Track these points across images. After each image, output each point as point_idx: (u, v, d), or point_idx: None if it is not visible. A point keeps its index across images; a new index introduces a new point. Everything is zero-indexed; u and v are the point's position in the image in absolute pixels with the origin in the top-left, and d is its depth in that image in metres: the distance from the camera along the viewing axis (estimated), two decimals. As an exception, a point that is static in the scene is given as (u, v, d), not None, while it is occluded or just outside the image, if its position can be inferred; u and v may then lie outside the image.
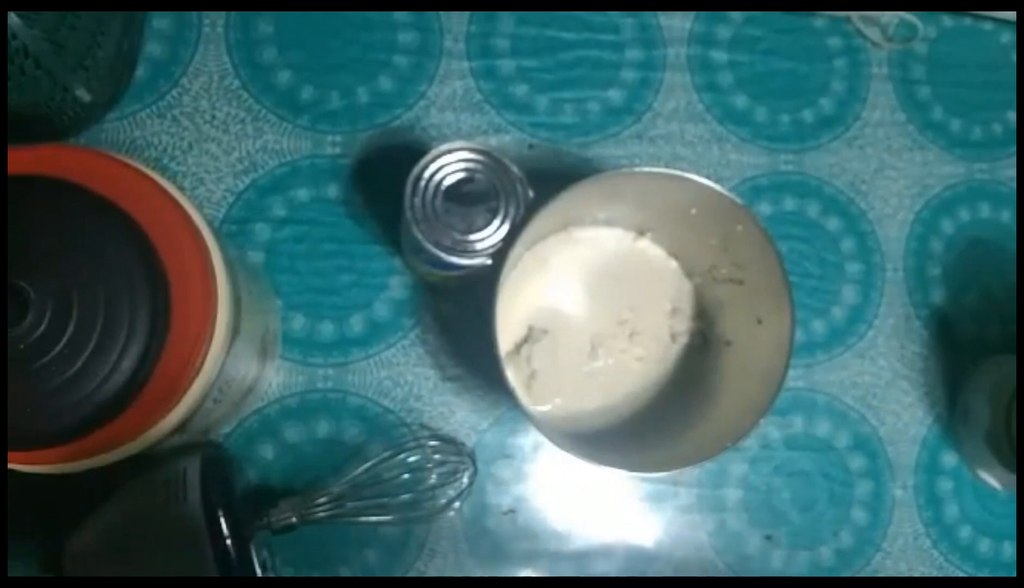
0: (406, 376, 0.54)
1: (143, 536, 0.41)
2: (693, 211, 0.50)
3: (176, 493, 0.40)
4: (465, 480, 0.52)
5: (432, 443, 0.52)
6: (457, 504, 0.52)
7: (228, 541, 0.40)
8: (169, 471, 0.41)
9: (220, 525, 0.40)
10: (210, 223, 0.38)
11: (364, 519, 0.49)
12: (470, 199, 0.47)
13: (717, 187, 0.48)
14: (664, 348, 0.56)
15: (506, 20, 0.58)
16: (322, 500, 0.47)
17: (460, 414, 0.54)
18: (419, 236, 0.46)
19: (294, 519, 0.46)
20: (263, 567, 0.42)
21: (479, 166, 0.47)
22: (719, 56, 0.61)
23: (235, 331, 0.38)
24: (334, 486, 0.48)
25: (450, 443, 0.53)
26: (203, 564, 0.39)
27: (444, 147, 0.47)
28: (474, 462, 0.52)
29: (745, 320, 0.52)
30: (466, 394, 0.54)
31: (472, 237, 0.46)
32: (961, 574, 0.60)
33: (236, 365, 0.40)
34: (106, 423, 0.33)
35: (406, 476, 0.50)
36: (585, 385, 0.54)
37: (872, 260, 0.62)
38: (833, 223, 0.61)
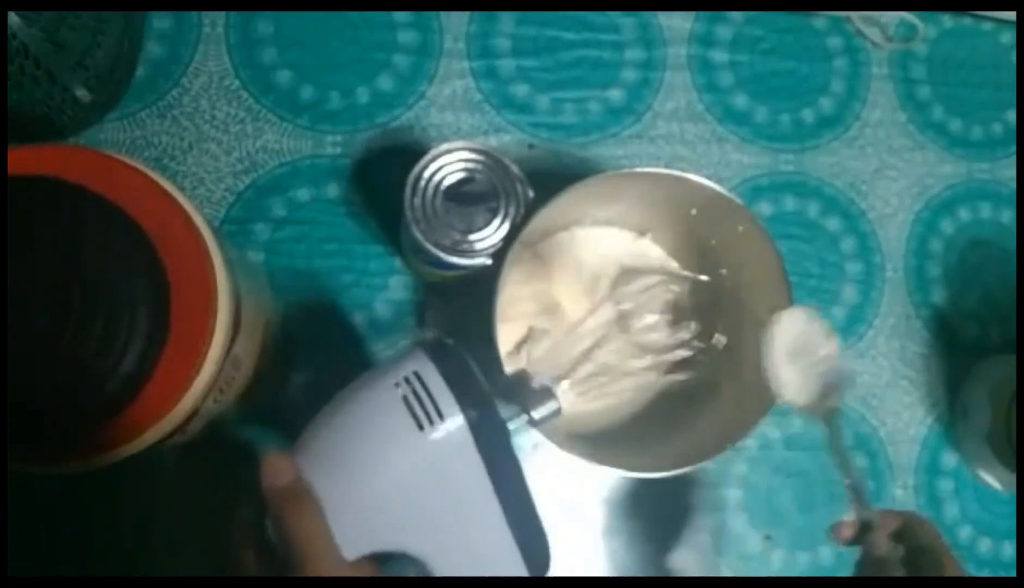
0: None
1: (391, 470, 0.33)
2: (693, 211, 0.50)
3: (425, 412, 0.32)
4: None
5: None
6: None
7: (508, 463, 0.33)
8: (399, 383, 0.33)
9: (491, 443, 0.33)
10: (210, 223, 0.38)
11: (631, 366, 0.42)
12: (470, 199, 0.47)
13: (717, 187, 0.48)
14: (664, 348, 0.56)
15: (506, 20, 0.58)
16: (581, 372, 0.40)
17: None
18: (419, 236, 0.46)
19: (558, 405, 0.37)
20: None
21: (479, 166, 0.47)
22: (719, 56, 0.61)
23: (235, 331, 0.38)
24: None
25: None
26: (483, 497, 0.33)
27: (444, 147, 0.47)
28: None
29: (745, 320, 0.52)
30: (466, 394, 0.54)
31: (472, 237, 0.46)
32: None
33: (236, 365, 0.40)
34: (106, 423, 0.33)
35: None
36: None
37: (872, 260, 0.62)
38: (833, 223, 0.61)
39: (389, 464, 0.32)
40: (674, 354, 0.56)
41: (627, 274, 0.56)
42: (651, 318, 0.56)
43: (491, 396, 0.34)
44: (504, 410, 0.36)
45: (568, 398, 0.54)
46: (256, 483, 0.32)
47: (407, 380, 0.33)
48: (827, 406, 0.44)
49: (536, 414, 0.37)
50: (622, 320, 0.55)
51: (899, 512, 0.43)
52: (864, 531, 0.41)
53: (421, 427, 0.32)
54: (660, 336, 0.56)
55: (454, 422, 0.32)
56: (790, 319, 0.44)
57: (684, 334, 0.56)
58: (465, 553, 0.34)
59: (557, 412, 0.37)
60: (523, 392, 0.37)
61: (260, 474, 0.32)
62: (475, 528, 0.33)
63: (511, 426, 0.36)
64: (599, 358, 0.54)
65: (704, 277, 0.55)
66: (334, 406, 0.34)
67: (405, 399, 0.32)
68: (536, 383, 0.38)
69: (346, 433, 0.33)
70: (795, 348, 0.44)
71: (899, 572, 0.40)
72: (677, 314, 0.56)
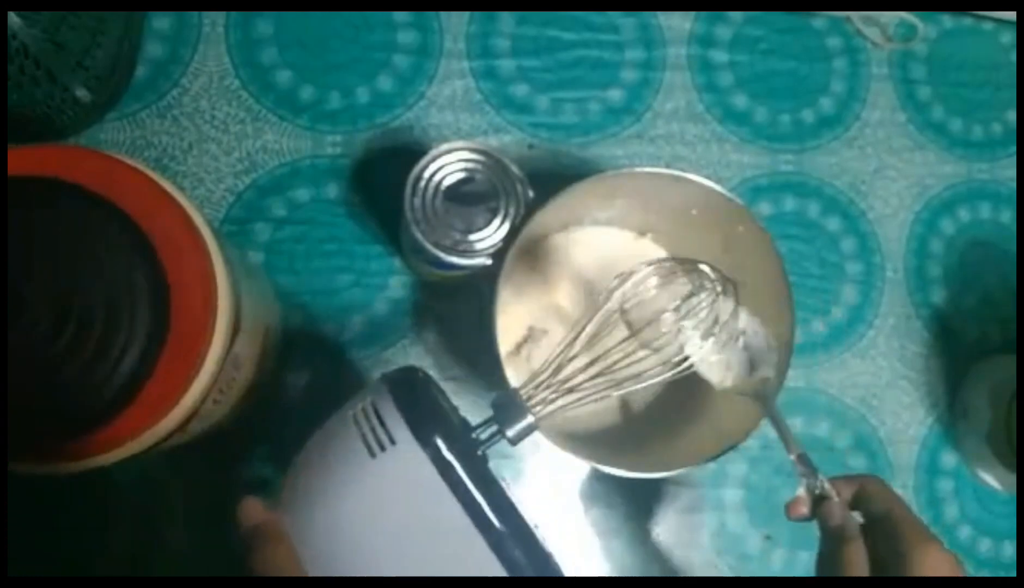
0: (406, 376, 0.54)
1: (355, 503, 0.33)
2: (693, 211, 0.50)
3: (376, 438, 0.32)
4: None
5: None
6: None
7: (468, 481, 0.31)
8: (355, 413, 0.33)
9: (452, 466, 0.31)
10: (210, 223, 0.38)
11: (605, 392, 0.39)
12: (470, 199, 0.47)
13: (717, 187, 0.48)
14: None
15: (506, 20, 0.58)
16: (548, 382, 0.37)
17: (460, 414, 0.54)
18: (419, 236, 0.46)
19: (530, 419, 0.36)
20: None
21: (479, 166, 0.47)
22: (719, 56, 0.61)
23: (235, 331, 0.38)
24: (543, 372, 0.38)
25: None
26: (449, 517, 0.32)
27: (444, 147, 0.47)
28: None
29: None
30: (466, 394, 0.54)
31: (472, 237, 0.46)
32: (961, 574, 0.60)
33: (236, 365, 0.40)
34: (106, 423, 0.33)
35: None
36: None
37: (872, 260, 0.62)
38: (833, 223, 0.61)
39: (346, 493, 0.32)
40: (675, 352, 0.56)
41: (622, 275, 0.55)
42: (651, 318, 0.56)
43: (454, 421, 0.34)
44: (482, 431, 0.36)
45: (569, 400, 0.54)
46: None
47: (363, 410, 0.33)
48: (758, 379, 0.43)
49: (511, 432, 0.36)
50: (625, 319, 0.55)
51: (853, 478, 0.41)
52: (818, 504, 0.40)
53: (373, 454, 0.32)
54: (659, 333, 0.56)
55: (408, 447, 0.32)
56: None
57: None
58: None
59: (531, 428, 0.36)
60: (499, 410, 0.37)
61: (237, 514, 0.34)
62: (453, 554, 0.33)
63: (489, 445, 0.35)
64: (605, 359, 0.54)
65: (704, 265, 0.54)
66: (309, 442, 0.35)
67: (359, 427, 0.33)
68: (509, 399, 0.37)
69: (309, 466, 0.34)
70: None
71: (858, 541, 0.38)
72: (677, 314, 0.56)
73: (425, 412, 0.33)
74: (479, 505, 0.32)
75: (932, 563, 0.37)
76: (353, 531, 0.33)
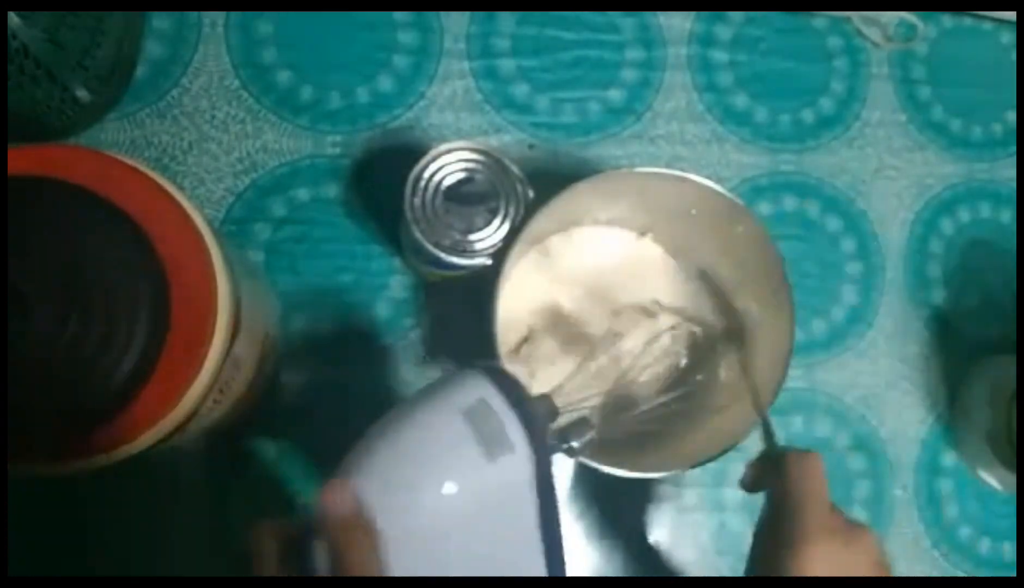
0: (406, 376, 0.54)
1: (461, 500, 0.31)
2: (693, 211, 0.50)
3: (497, 442, 0.31)
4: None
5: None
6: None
7: (551, 495, 0.32)
8: (468, 409, 0.32)
9: (551, 479, 0.32)
10: (210, 223, 0.38)
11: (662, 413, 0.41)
12: (470, 199, 0.47)
13: (717, 187, 0.48)
14: (664, 349, 0.56)
15: (506, 20, 0.58)
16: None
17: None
18: (419, 236, 0.46)
19: (594, 433, 0.37)
20: None
21: (479, 166, 0.47)
22: (719, 56, 0.61)
23: (235, 331, 0.38)
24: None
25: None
26: (528, 528, 0.32)
27: (444, 147, 0.47)
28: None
29: (745, 321, 0.52)
30: (466, 394, 0.54)
31: (472, 237, 0.46)
32: (961, 574, 0.60)
33: (236, 365, 0.40)
34: (106, 423, 0.33)
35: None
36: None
37: (872, 260, 0.62)
38: (833, 223, 0.61)
39: (455, 496, 0.31)
40: (674, 355, 0.56)
41: (627, 274, 0.56)
42: (651, 319, 0.56)
43: (547, 429, 0.34)
44: (562, 439, 0.36)
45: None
46: (296, 504, 0.31)
47: (479, 409, 0.32)
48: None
49: (576, 443, 0.36)
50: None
51: (792, 453, 0.40)
52: (765, 464, 0.41)
53: (492, 458, 0.31)
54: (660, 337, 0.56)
55: (523, 455, 0.32)
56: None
57: (684, 335, 0.56)
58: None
59: (593, 441, 0.37)
60: (561, 421, 0.36)
61: (320, 499, 0.30)
62: (512, 558, 0.33)
63: (570, 453, 0.36)
64: (599, 358, 0.54)
65: (704, 278, 0.55)
66: (393, 430, 0.32)
67: (474, 425, 0.32)
68: (569, 411, 0.37)
69: (411, 461, 0.32)
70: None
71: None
72: (677, 315, 0.56)
73: (533, 420, 0.33)
74: (553, 508, 0.33)
75: (814, 557, 0.36)
76: (448, 535, 0.32)
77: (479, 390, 0.33)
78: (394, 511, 0.31)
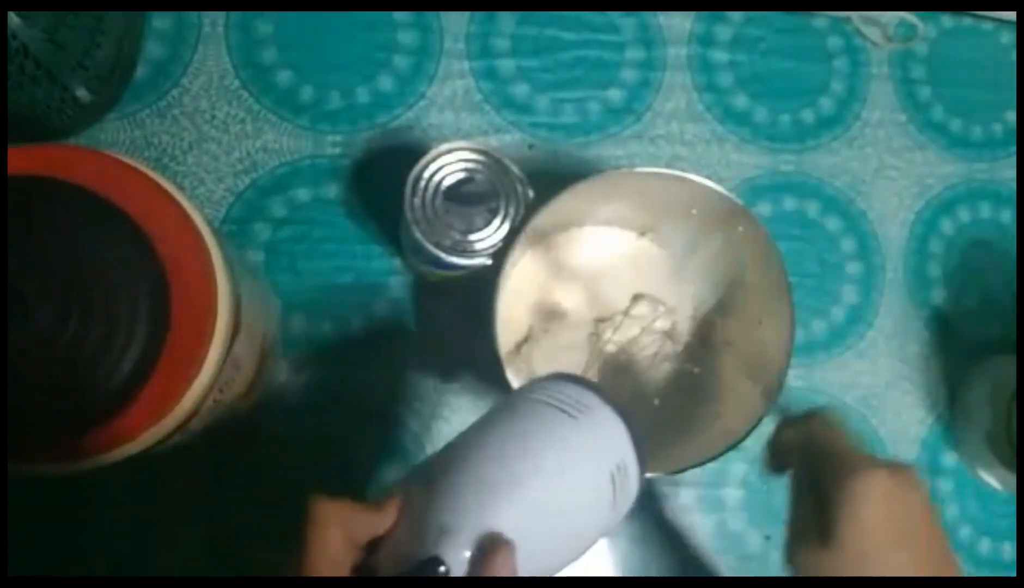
0: (406, 376, 0.54)
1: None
2: (693, 211, 0.50)
3: (624, 494, 0.34)
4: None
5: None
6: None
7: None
8: (612, 474, 0.34)
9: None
10: (210, 223, 0.38)
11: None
12: (470, 199, 0.47)
13: (717, 187, 0.48)
14: (664, 349, 0.56)
15: (506, 20, 0.58)
16: None
17: (460, 414, 0.54)
18: (419, 236, 0.46)
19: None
20: None
21: (479, 166, 0.47)
22: (719, 56, 0.61)
23: (235, 331, 0.38)
24: None
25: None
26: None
27: (444, 147, 0.47)
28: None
29: (745, 321, 0.52)
30: (466, 394, 0.54)
31: (472, 237, 0.46)
32: (961, 574, 0.59)
33: (236, 365, 0.40)
34: (106, 423, 0.33)
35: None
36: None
37: (872, 260, 0.62)
38: (833, 223, 0.61)
39: (585, 537, 0.34)
40: (674, 355, 0.56)
41: (627, 274, 0.56)
42: (651, 319, 0.56)
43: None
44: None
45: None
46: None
47: (619, 469, 0.34)
48: None
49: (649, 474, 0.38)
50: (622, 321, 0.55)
51: (800, 419, 0.40)
52: (784, 431, 0.41)
53: (617, 515, 0.34)
54: (660, 337, 0.56)
55: (635, 496, 0.35)
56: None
57: (684, 335, 0.56)
58: None
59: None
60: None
61: (483, 558, 0.29)
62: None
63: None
64: (599, 358, 0.55)
65: (704, 278, 0.55)
66: (547, 475, 0.32)
67: (614, 488, 0.33)
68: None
69: (560, 514, 0.32)
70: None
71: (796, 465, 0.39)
72: (677, 315, 0.56)
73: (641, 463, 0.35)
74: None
75: (862, 486, 0.35)
76: (566, 562, 0.33)
77: (621, 447, 0.34)
78: (530, 545, 0.31)
